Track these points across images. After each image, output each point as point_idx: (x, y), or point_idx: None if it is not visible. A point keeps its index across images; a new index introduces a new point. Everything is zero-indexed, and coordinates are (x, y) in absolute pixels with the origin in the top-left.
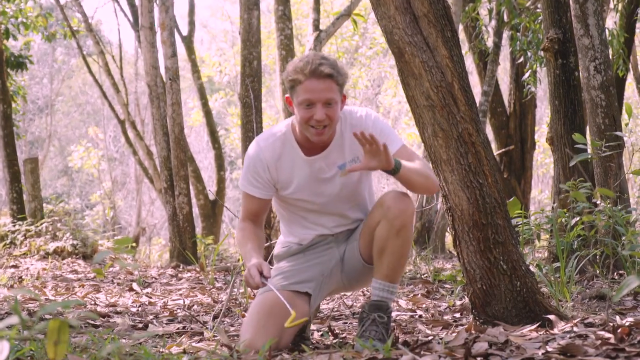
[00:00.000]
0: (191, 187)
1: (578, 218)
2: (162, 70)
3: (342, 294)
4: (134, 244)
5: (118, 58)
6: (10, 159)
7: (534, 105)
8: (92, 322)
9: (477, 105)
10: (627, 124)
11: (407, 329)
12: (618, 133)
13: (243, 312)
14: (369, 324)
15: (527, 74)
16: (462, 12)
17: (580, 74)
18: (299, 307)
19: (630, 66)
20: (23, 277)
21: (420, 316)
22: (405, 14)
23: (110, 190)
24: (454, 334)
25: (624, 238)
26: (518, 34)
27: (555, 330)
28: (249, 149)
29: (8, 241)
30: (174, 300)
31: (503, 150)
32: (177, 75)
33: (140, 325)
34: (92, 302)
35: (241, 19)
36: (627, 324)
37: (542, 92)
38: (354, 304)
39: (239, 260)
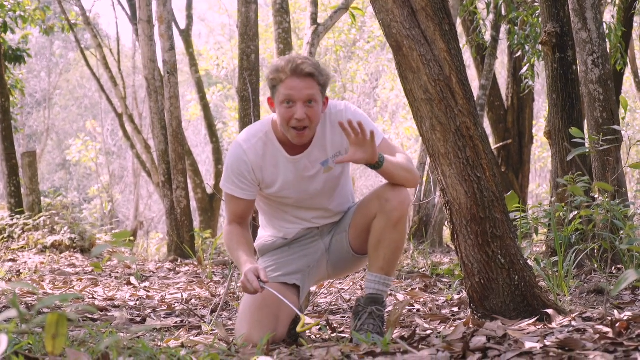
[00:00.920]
0: (189, 181)
1: (576, 212)
2: (160, 64)
3: (340, 287)
4: (131, 238)
5: (116, 51)
6: (8, 152)
7: (532, 99)
8: (90, 316)
9: (475, 99)
10: (623, 118)
11: (405, 323)
12: (616, 127)
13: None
14: (366, 318)
15: (525, 68)
16: (460, 5)
17: (578, 67)
18: (289, 299)
19: (628, 60)
20: (21, 270)
21: (418, 310)
22: (403, 7)
23: (108, 184)
24: (452, 328)
25: (622, 232)
26: (516, 27)
27: (554, 325)
28: (231, 151)
29: (6, 235)
30: (171, 294)
31: (501, 144)
32: (174, 69)
33: (138, 319)
34: (90, 296)
35: (239, 12)
36: (625, 318)
37: (539, 86)
38: (352, 297)
39: None
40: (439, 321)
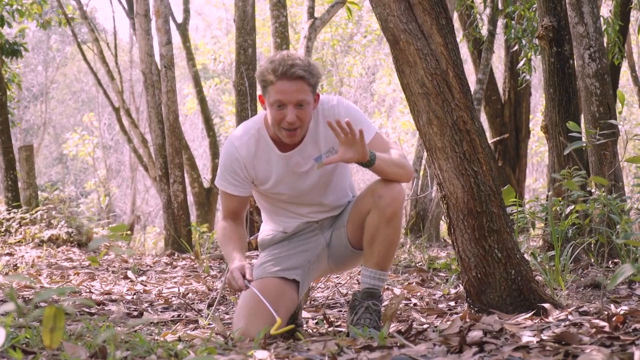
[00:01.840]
0: (186, 175)
1: (573, 206)
2: (157, 58)
3: (337, 282)
4: (128, 232)
5: (113, 46)
6: (5, 146)
7: (529, 93)
8: (87, 310)
9: (472, 93)
10: (620, 112)
11: (401, 317)
12: (612, 121)
13: (237, 300)
14: (363, 312)
15: (521, 62)
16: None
17: (575, 62)
18: (288, 294)
19: (625, 54)
20: (18, 264)
21: (415, 304)
22: (400, 1)
23: (105, 178)
24: (449, 322)
25: (618, 226)
26: (513, 22)
27: (550, 319)
28: (224, 149)
29: (3, 229)
30: (168, 288)
31: (498, 138)
32: (171, 63)
33: (135, 313)
34: (87, 290)
35: (236, 6)
36: (621, 312)
37: (536, 80)
38: (349, 292)
39: None
40: (435, 315)
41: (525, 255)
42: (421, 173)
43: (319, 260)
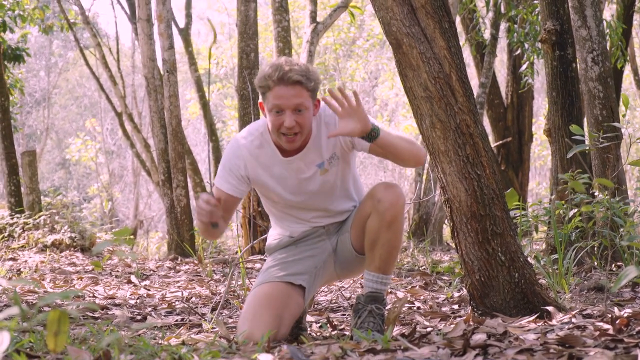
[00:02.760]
0: (189, 180)
1: (576, 210)
2: (159, 63)
3: (340, 286)
4: (131, 237)
5: (115, 51)
6: (8, 151)
7: (532, 97)
8: (91, 314)
9: (475, 97)
10: (624, 115)
11: (405, 321)
12: (616, 124)
13: (241, 304)
14: (366, 315)
15: (524, 66)
16: (459, 3)
17: (578, 65)
18: (293, 299)
19: (627, 58)
20: (21, 269)
21: (419, 308)
22: (403, 5)
23: (108, 183)
24: (452, 326)
25: (622, 229)
26: (515, 25)
27: (554, 322)
28: (228, 147)
29: (6, 234)
30: (172, 292)
31: (500, 142)
32: (174, 68)
33: (139, 318)
34: (91, 295)
35: (238, 11)
36: (625, 315)
37: (539, 84)
38: (352, 295)
39: (236, 252)
40: (439, 319)
41: (529, 259)
42: (424, 177)
43: (326, 266)
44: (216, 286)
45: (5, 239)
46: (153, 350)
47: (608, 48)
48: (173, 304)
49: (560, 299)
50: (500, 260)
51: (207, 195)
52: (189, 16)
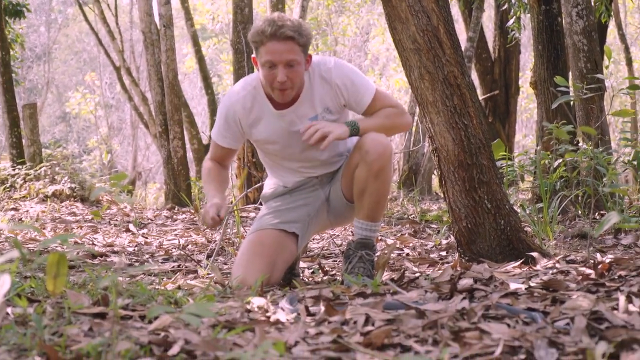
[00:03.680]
0: (185, 132)
1: (561, 160)
2: (156, 18)
3: (332, 233)
4: (130, 187)
5: (113, 6)
6: (10, 104)
7: (518, 51)
8: (90, 261)
9: (463, 51)
10: (607, 68)
11: (394, 267)
12: (599, 76)
13: (236, 251)
14: (357, 261)
15: (511, 21)
16: None
17: (563, 19)
18: (287, 246)
19: (611, 13)
20: (23, 219)
21: (408, 254)
22: None
23: (107, 135)
24: (440, 271)
25: (605, 178)
26: None
27: (538, 267)
28: (222, 101)
29: (8, 185)
30: (169, 240)
31: (488, 95)
32: (170, 22)
33: (137, 264)
34: (90, 243)
35: None
36: (607, 260)
37: (525, 38)
38: (343, 243)
39: (231, 202)
40: (427, 264)
41: (515, 207)
42: (413, 128)
43: (319, 214)
44: (211, 234)
45: (7, 189)
46: (150, 294)
47: (592, 3)
48: (170, 251)
49: (545, 245)
50: (486, 207)
51: (214, 211)
52: None
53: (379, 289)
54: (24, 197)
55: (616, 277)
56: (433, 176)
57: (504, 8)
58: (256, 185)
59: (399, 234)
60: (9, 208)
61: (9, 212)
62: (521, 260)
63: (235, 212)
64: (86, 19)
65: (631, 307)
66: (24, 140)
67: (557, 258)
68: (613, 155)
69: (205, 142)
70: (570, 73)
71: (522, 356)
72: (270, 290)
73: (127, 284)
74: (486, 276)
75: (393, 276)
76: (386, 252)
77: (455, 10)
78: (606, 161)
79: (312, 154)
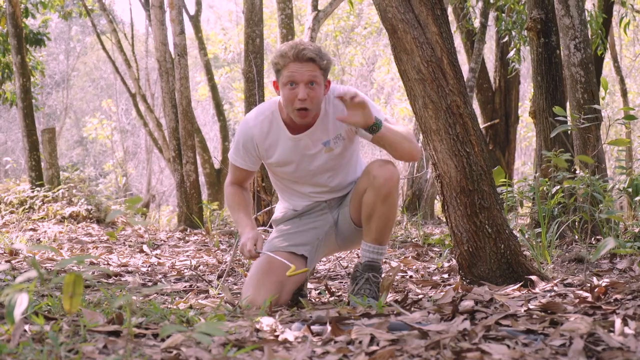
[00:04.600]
0: (198, 157)
1: (559, 186)
2: (171, 47)
3: (338, 255)
4: (144, 210)
5: (130, 36)
6: (30, 129)
7: (518, 81)
8: (105, 280)
9: (465, 80)
10: (603, 99)
11: (398, 289)
12: (596, 106)
13: (245, 272)
14: (363, 283)
15: (511, 52)
16: None
17: (561, 52)
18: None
19: (607, 46)
20: (41, 239)
21: (411, 277)
22: None
23: (122, 159)
24: (442, 293)
25: (601, 205)
26: (503, 14)
27: (537, 290)
28: (240, 126)
29: (27, 206)
30: (181, 261)
31: (489, 123)
32: (184, 51)
33: (150, 284)
34: (105, 263)
35: None
36: (603, 284)
37: (525, 69)
38: (349, 265)
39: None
40: (430, 286)
41: (514, 232)
42: None
43: (327, 237)
44: (222, 255)
45: (26, 210)
46: (162, 313)
47: (589, 36)
48: (182, 272)
49: (543, 269)
50: (487, 232)
51: (252, 244)
52: (199, 4)
53: (384, 310)
54: (42, 218)
55: (612, 300)
56: (435, 201)
57: (504, 40)
58: (266, 209)
59: (403, 257)
60: (28, 228)
61: (28, 233)
62: (520, 283)
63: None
64: (104, 48)
65: (627, 330)
66: (42, 164)
67: (555, 281)
68: (609, 183)
69: (217, 166)
70: (568, 103)
71: None
72: (279, 310)
73: (140, 303)
74: (487, 298)
75: (397, 297)
76: (390, 274)
77: (458, 42)
78: (602, 188)
79: (324, 179)
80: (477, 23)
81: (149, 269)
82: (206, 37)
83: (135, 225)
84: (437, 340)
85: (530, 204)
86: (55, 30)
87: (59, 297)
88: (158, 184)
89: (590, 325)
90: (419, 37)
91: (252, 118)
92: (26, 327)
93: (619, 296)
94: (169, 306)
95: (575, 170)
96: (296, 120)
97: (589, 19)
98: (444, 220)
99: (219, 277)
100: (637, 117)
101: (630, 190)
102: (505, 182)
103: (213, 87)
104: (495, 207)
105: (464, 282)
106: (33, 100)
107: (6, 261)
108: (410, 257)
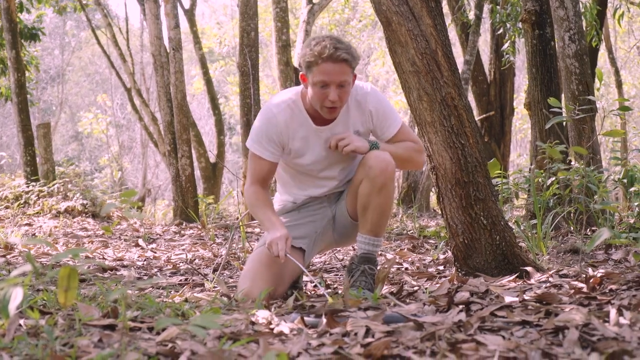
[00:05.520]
0: (193, 151)
1: (554, 178)
2: (166, 41)
3: (334, 250)
4: (140, 204)
5: (125, 30)
6: (24, 124)
7: (513, 73)
8: (101, 274)
9: (460, 73)
10: (598, 90)
11: (394, 281)
12: (591, 98)
13: (241, 265)
14: (359, 275)
15: (506, 44)
16: None
17: (556, 43)
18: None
19: (602, 37)
20: (36, 234)
21: (407, 269)
22: None
23: (118, 154)
24: (438, 285)
25: (596, 196)
26: (498, 7)
27: (532, 281)
28: (262, 114)
29: (22, 201)
30: (177, 254)
31: (484, 116)
32: (179, 46)
33: (146, 278)
34: (101, 257)
35: None
36: (598, 275)
37: (520, 61)
38: (344, 257)
39: (237, 218)
40: (425, 278)
41: (510, 223)
42: None
43: (325, 231)
44: (218, 249)
45: (22, 205)
46: (158, 307)
47: (584, 28)
48: (177, 265)
49: (539, 260)
50: (482, 223)
51: (282, 244)
52: None
53: (379, 301)
54: (37, 213)
55: (607, 291)
56: (431, 193)
57: (499, 32)
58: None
59: (399, 249)
60: (23, 223)
61: (23, 227)
62: (516, 275)
63: (241, 228)
64: (99, 42)
65: (622, 320)
66: (38, 159)
67: (550, 272)
68: (604, 174)
69: (212, 160)
70: (562, 95)
71: None
72: (274, 302)
73: (136, 296)
74: (482, 290)
75: (392, 289)
76: (386, 266)
77: (453, 35)
78: (597, 179)
79: (335, 171)
80: (471, 15)
81: (145, 262)
82: (201, 31)
83: (131, 219)
84: (432, 332)
85: (525, 196)
86: (50, 25)
87: (54, 291)
88: (154, 178)
89: (586, 316)
90: (413, 30)
91: (274, 105)
92: (21, 321)
93: (614, 287)
94: (165, 300)
95: (570, 161)
96: (325, 116)
97: (583, 10)
98: (440, 212)
99: (215, 270)
100: (632, 108)
101: (625, 181)
102: (500, 173)
103: (208, 81)
104: (490, 199)
105: (460, 274)
106: (28, 95)
107: (1, 256)
108: (405, 249)
